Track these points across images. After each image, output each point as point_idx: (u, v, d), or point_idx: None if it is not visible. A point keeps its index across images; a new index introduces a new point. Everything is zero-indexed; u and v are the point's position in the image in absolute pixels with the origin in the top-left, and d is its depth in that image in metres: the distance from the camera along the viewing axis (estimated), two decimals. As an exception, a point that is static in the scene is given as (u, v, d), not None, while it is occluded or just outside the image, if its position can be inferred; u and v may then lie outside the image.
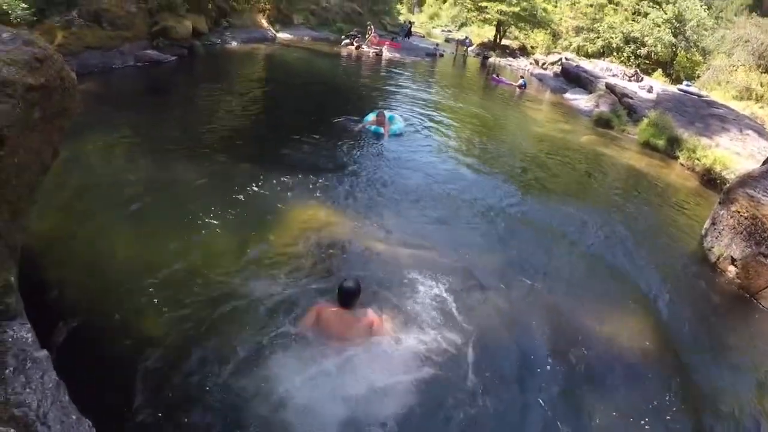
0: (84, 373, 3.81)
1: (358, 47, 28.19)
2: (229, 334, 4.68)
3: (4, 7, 10.89)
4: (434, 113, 15.59)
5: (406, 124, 12.69)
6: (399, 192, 8.77)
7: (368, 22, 33.31)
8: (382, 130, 11.33)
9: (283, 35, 27.57)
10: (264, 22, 26.78)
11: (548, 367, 5.25)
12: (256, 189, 7.73)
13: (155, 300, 4.91)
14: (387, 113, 11.91)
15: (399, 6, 59.01)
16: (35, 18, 12.32)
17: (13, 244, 3.52)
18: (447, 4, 73.47)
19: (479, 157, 11.92)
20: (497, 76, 28.17)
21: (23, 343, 3.11)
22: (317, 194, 7.95)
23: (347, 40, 28.55)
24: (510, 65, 38.56)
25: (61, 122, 4.04)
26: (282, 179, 8.17)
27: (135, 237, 6.05)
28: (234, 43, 21.97)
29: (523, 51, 45.89)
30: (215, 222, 6.55)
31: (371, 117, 11.73)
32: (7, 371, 2.86)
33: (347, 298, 4.92)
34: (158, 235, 6.15)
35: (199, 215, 6.60)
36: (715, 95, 27.83)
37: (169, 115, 10.84)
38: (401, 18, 55.11)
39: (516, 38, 47.75)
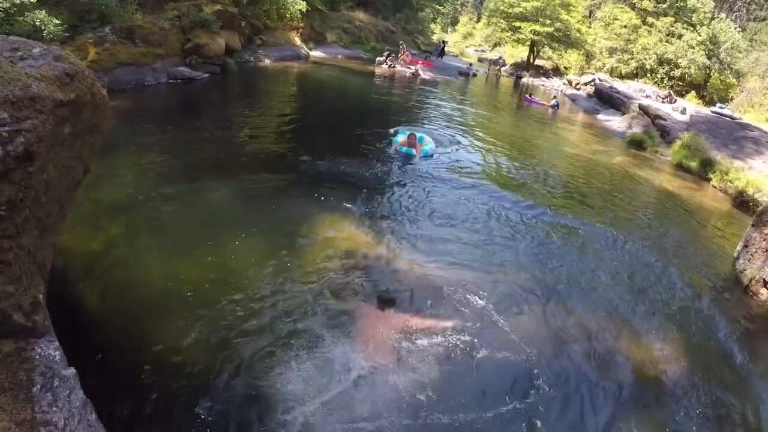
0: (111, 392, 3.86)
1: (391, 66, 28.25)
2: (258, 353, 4.70)
3: (37, 23, 11.19)
4: (466, 133, 15.55)
5: (437, 144, 12.65)
6: (431, 212, 8.73)
7: (401, 41, 33.45)
8: (413, 151, 11.28)
9: (316, 53, 27.81)
10: (297, 40, 27.04)
11: (577, 387, 5.19)
12: (287, 208, 7.78)
13: (184, 318, 4.94)
14: (417, 134, 11.86)
15: (433, 25, 59.36)
16: (68, 34, 12.62)
17: (41, 261, 3.53)
18: (481, 23, 73.90)
19: (511, 178, 11.83)
20: (530, 96, 28.07)
21: (51, 361, 3.12)
22: (349, 214, 7.94)
23: (381, 59, 28.71)
24: (543, 85, 38.46)
25: (92, 139, 4.09)
26: (314, 199, 8.21)
27: (165, 255, 6.10)
28: (267, 61, 22.19)
29: (557, 71, 45.80)
30: (246, 240, 6.58)
31: (401, 138, 11.68)
32: (35, 389, 2.87)
33: (384, 305, 5.40)
34: (188, 252, 6.20)
35: (229, 233, 6.66)
36: (749, 117, 27.39)
37: (201, 133, 10.98)
38: (435, 37, 55.43)
39: (549, 58, 47.70)
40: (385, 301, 5.51)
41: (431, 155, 11.77)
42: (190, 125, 11.76)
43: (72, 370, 3.13)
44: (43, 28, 11.37)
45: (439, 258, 7.12)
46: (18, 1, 11.02)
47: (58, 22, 11.86)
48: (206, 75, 16.81)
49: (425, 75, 28.48)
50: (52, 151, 3.34)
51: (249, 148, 10.49)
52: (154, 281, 5.52)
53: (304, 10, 24.43)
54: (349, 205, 8.18)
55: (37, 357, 3.10)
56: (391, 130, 12.53)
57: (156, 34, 15.69)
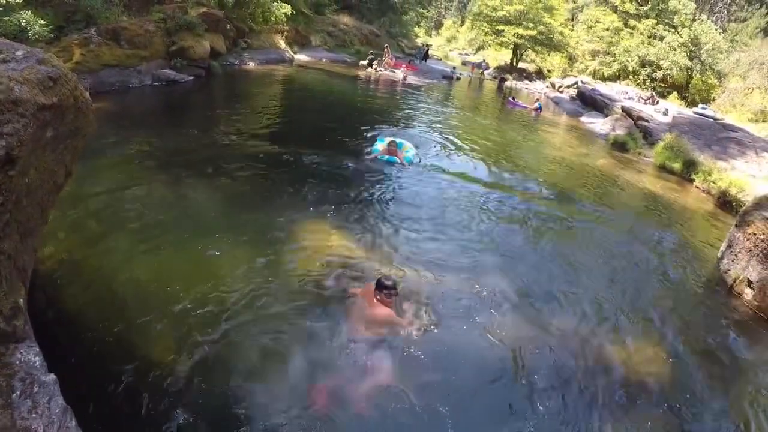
0: (91, 398, 3.81)
1: (375, 69, 28.33)
2: (240, 356, 4.69)
3: (23, 24, 11.14)
4: (449, 137, 15.53)
5: (420, 148, 12.65)
6: (414, 217, 8.68)
7: (385, 45, 33.54)
8: (394, 159, 11.17)
9: (301, 57, 27.86)
10: (282, 44, 27.09)
11: (560, 392, 5.17)
12: (270, 212, 7.74)
13: (166, 323, 4.89)
14: (397, 141, 11.78)
15: (417, 29, 59.56)
16: (53, 35, 12.58)
17: (22, 265, 3.49)
18: (464, 27, 74.26)
19: (494, 181, 11.80)
20: (513, 99, 28.23)
21: (31, 367, 3.07)
22: (332, 219, 7.88)
23: (365, 62, 28.72)
24: (526, 88, 38.71)
25: (74, 142, 4.05)
26: (297, 203, 8.19)
27: (147, 258, 6.03)
28: (251, 64, 22.19)
29: (540, 74, 46.21)
30: (229, 243, 6.54)
31: (380, 146, 11.54)
32: (14, 395, 2.82)
33: (383, 288, 5.45)
34: (171, 256, 6.15)
35: (212, 236, 6.61)
36: (731, 118, 27.77)
37: (185, 136, 10.91)
38: (419, 41, 55.61)
39: (532, 61, 48.10)
40: (385, 287, 5.48)
41: (412, 162, 11.62)
42: (174, 128, 11.69)
43: (52, 376, 3.09)
44: (29, 28, 11.34)
45: (423, 261, 7.10)
46: (4, 2, 10.99)
47: (44, 22, 11.83)
48: (191, 77, 16.76)
49: (409, 78, 28.54)
50: (33, 155, 3.30)
51: (233, 151, 10.42)
52: (136, 286, 5.45)
53: (289, 13, 24.41)
54: (331, 211, 8.11)
55: (17, 362, 3.04)
56: (375, 139, 12.47)
57: (141, 36, 15.65)
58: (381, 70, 28.46)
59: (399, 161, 11.18)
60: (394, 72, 28.84)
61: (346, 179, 9.83)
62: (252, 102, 16.50)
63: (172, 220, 7.03)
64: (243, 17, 22.43)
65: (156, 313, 5.01)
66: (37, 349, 3.25)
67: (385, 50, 31.67)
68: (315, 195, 8.65)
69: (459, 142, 14.90)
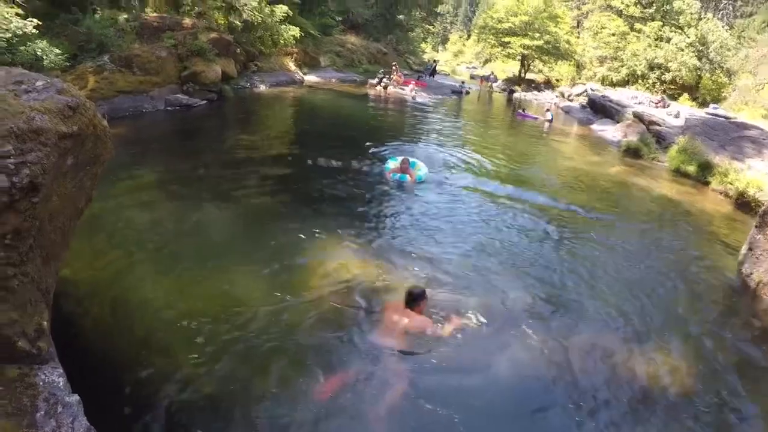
0: (115, 419, 3.83)
1: (384, 87, 28.44)
2: (262, 377, 4.69)
3: (38, 53, 11.41)
4: (461, 152, 15.49)
5: (432, 164, 12.61)
6: (429, 237, 8.56)
7: (393, 62, 33.76)
8: (406, 177, 11.11)
9: (311, 78, 28.09)
10: (291, 65, 27.39)
11: (584, 402, 5.12)
12: (286, 231, 7.77)
13: (186, 345, 4.92)
14: (410, 159, 11.68)
15: (423, 45, 59.88)
16: (68, 63, 12.90)
17: (45, 288, 3.56)
18: (471, 41, 74.48)
19: (508, 196, 11.64)
20: (523, 111, 28.23)
21: (54, 388, 3.11)
22: (349, 237, 7.87)
23: (374, 81, 28.90)
24: (536, 99, 38.76)
25: (94, 169, 4.13)
26: (312, 222, 8.18)
27: (165, 279, 6.10)
28: (262, 87, 22.43)
29: (548, 84, 46.15)
30: (245, 263, 6.58)
31: (392, 164, 11.53)
32: (38, 415, 2.86)
33: (412, 298, 5.54)
34: (188, 279, 6.19)
35: (228, 259, 6.66)
36: (744, 116, 27.48)
37: (199, 159, 11.02)
38: (426, 56, 55.87)
39: (540, 71, 48.03)
40: (416, 296, 5.55)
41: (424, 180, 11.51)
42: (187, 151, 11.86)
43: (75, 397, 3.13)
44: (44, 57, 11.63)
45: (442, 275, 7.08)
46: (20, 32, 11.23)
47: (58, 51, 12.11)
48: (203, 102, 17.04)
49: (415, 93, 28.64)
50: (55, 182, 3.38)
51: (247, 172, 10.52)
52: (155, 306, 5.51)
53: (297, 36, 24.72)
54: (345, 232, 8.07)
55: (41, 383, 3.10)
56: (387, 158, 12.47)
57: (154, 63, 16.00)
58: (389, 88, 28.56)
59: (411, 179, 11.13)
60: (404, 89, 28.94)
61: (359, 197, 9.88)
62: (264, 124, 16.67)
63: (189, 241, 7.13)
64: (252, 41, 22.75)
65: (175, 333, 5.06)
66: (61, 370, 3.30)
67: (394, 68, 31.84)
68: (330, 214, 8.70)
69: (471, 158, 14.85)
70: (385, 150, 13.85)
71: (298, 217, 8.40)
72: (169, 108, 15.69)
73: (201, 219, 7.91)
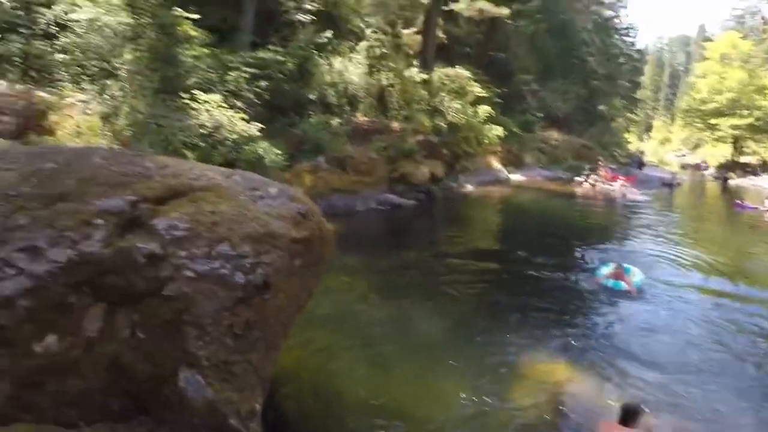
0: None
1: (592, 184, 27.48)
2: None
3: (260, 152, 13.02)
4: (678, 254, 13.93)
5: (647, 268, 11.45)
6: (646, 351, 7.64)
7: (598, 157, 32.87)
8: (620, 284, 10.18)
9: (516, 176, 28.08)
10: (496, 164, 27.75)
11: None
12: (491, 334, 7.71)
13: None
14: (624, 266, 10.71)
15: (627, 134, 57.75)
16: (287, 163, 14.40)
17: (264, 376, 3.85)
18: (676, 125, 70.34)
19: (735, 297, 10.29)
20: (741, 201, 25.38)
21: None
22: (558, 349, 7.47)
23: (581, 178, 28.24)
24: (753, 185, 34.82)
25: (317, 269, 4.52)
26: (518, 329, 7.99)
27: (370, 372, 6.35)
28: (469, 186, 22.93)
29: (765, 166, 41.14)
30: (447, 363, 6.58)
31: (605, 270, 10.68)
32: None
33: (628, 415, 5.08)
34: (391, 371, 6.38)
35: (431, 355, 6.77)
36: None
37: (407, 256, 11.50)
38: (631, 146, 53.76)
39: (755, 153, 43.15)
40: (631, 412, 5.08)
41: (641, 289, 10.36)
42: (397, 248, 12.45)
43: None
44: (265, 157, 13.09)
45: (662, 400, 6.24)
46: (246, 134, 12.95)
47: (278, 151, 13.67)
48: (412, 202, 17.86)
49: (624, 189, 27.11)
50: (284, 281, 3.75)
51: (454, 271, 10.74)
52: (360, 401, 5.68)
53: (501, 134, 25.27)
54: (557, 338, 7.75)
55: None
56: (597, 261, 11.87)
57: (365, 164, 17.33)
58: (597, 185, 27.54)
59: (627, 287, 10.16)
60: (612, 185, 27.77)
61: (569, 305, 9.45)
62: (471, 223, 17.02)
63: (395, 333, 7.40)
64: (458, 142, 23.60)
65: (380, 423, 5.19)
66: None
67: (599, 163, 30.93)
68: (537, 320, 8.39)
69: (688, 258, 13.38)
70: (595, 252, 13.27)
71: (504, 320, 8.31)
72: (380, 207, 16.68)
73: (406, 314, 8.18)
